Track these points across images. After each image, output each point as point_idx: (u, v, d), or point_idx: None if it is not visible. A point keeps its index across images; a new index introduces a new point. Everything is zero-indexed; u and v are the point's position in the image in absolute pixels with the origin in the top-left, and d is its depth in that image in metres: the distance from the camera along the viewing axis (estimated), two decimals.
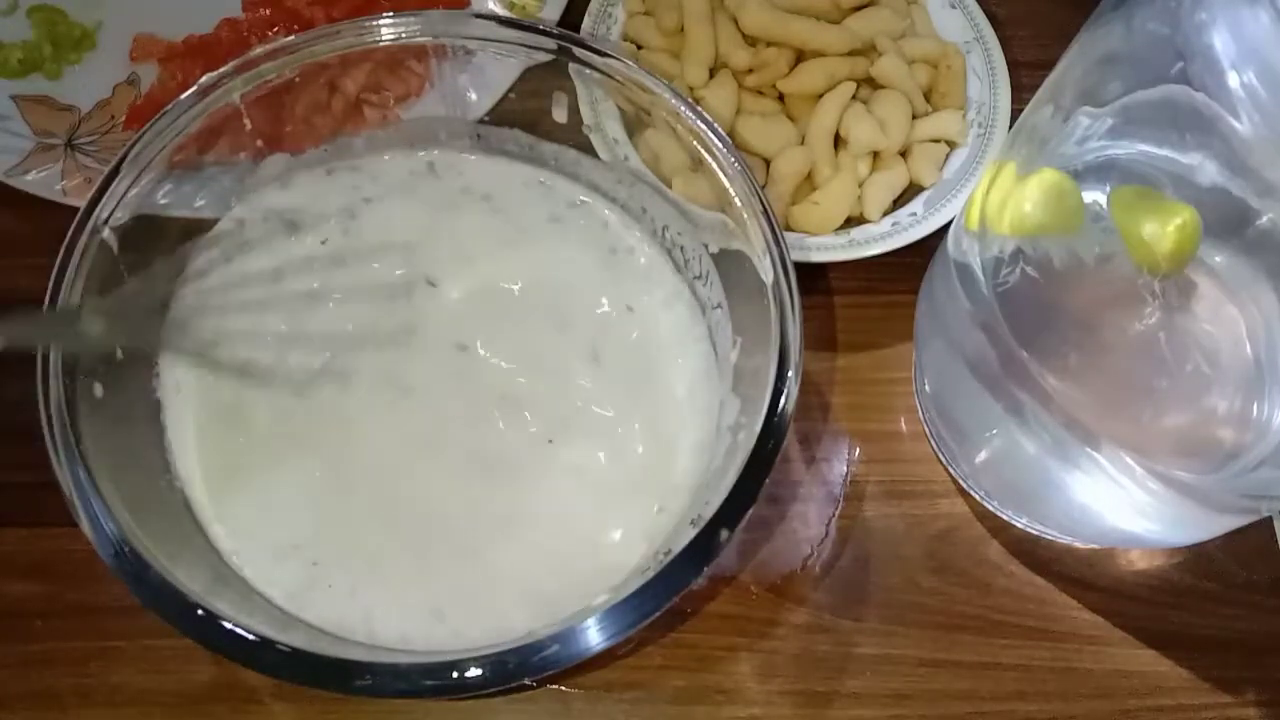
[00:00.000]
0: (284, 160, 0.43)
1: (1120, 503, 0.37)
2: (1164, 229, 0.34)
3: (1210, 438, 0.37)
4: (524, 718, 0.40)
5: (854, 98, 0.48)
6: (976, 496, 0.44)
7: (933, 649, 0.42)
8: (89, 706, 0.40)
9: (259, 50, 0.40)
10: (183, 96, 0.39)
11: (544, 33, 0.41)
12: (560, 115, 0.44)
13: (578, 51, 0.41)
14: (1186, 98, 0.29)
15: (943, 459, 0.45)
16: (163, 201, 0.40)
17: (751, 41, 0.48)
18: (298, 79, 0.41)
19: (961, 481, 0.45)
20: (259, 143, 0.42)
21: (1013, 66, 0.50)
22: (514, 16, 0.50)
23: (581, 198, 0.45)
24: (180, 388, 0.40)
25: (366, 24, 0.41)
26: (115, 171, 0.38)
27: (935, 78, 0.50)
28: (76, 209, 0.37)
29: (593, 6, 0.50)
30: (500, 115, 0.45)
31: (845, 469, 0.45)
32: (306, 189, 0.44)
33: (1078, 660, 0.42)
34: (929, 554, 0.44)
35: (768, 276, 0.37)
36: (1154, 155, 0.35)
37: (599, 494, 0.40)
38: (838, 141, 0.48)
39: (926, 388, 0.45)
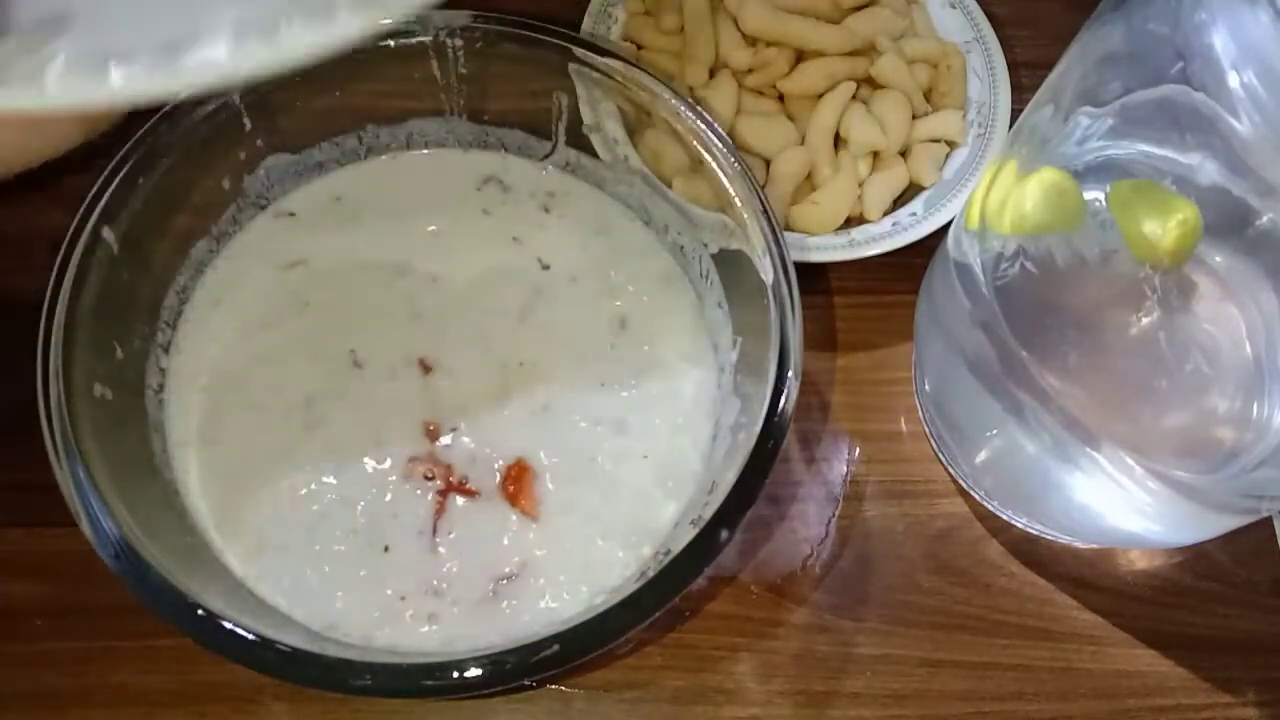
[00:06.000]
0: (285, 160, 0.43)
1: (1120, 503, 0.37)
2: (1165, 225, 0.34)
3: (1210, 438, 0.37)
4: (524, 718, 0.40)
5: (854, 98, 0.48)
6: (976, 496, 0.44)
7: (933, 649, 0.42)
8: (89, 706, 0.40)
9: None
10: (183, 96, 0.39)
11: (545, 32, 0.41)
12: (560, 115, 0.44)
13: (578, 51, 0.41)
14: (1186, 98, 0.29)
15: (943, 459, 0.45)
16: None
17: (751, 41, 0.48)
18: (298, 78, 0.41)
19: (961, 481, 0.45)
20: (259, 143, 0.42)
21: (1013, 66, 0.50)
22: (516, 18, 0.50)
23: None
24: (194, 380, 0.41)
25: None
26: (115, 171, 0.38)
27: (935, 78, 0.50)
28: (76, 209, 0.37)
29: (593, 6, 0.50)
30: (500, 115, 0.45)
31: (845, 469, 0.45)
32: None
33: (1078, 660, 0.42)
34: (929, 554, 0.44)
35: (768, 276, 0.37)
36: (1154, 155, 0.35)
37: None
38: (838, 141, 0.48)
39: (926, 388, 0.45)
